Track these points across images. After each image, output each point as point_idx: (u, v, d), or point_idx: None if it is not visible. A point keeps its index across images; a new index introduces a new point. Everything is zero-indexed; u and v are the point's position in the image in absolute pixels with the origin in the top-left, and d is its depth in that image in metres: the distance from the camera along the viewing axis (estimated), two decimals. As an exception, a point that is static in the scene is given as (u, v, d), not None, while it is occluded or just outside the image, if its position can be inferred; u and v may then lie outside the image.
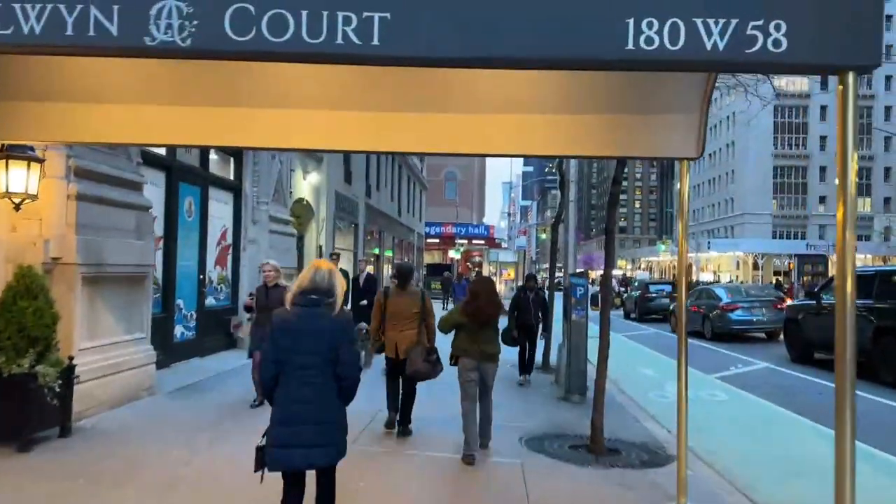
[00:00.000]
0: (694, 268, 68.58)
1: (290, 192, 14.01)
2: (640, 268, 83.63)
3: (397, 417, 6.61)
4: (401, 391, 6.64)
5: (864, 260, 58.38)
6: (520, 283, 25.87)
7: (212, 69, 4.71)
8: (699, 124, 4.98)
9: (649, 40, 2.77)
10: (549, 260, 14.18)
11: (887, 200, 67.96)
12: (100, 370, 6.73)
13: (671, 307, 21.65)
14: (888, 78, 65.98)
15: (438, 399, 7.36)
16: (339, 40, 2.85)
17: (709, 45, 2.78)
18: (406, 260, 31.81)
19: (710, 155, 78.99)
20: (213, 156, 11.12)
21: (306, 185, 15.69)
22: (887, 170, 68.03)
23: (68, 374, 5.92)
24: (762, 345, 16.86)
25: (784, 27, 2.77)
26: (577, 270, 10.20)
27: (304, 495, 3.47)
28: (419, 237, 40.47)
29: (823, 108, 68.34)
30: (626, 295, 28.35)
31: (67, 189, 6.43)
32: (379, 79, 4.76)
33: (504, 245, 50.56)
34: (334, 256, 10.09)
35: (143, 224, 7.66)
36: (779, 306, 17.68)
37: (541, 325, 10.54)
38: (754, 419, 8.53)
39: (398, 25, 2.86)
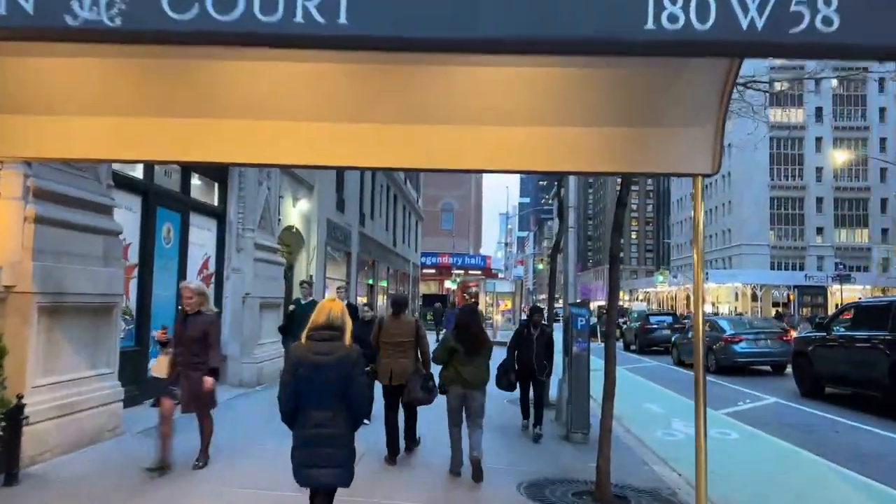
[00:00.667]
0: (691, 299, 68.07)
1: (279, 220, 13.51)
2: (637, 299, 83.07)
3: (401, 444, 6.83)
4: (404, 415, 6.95)
5: (864, 292, 57.98)
6: (522, 317, 25.24)
7: (181, 73, 4.24)
8: (715, 137, 4.51)
9: (673, 17, 2.28)
10: (546, 290, 13.57)
11: (885, 231, 67.74)
12: (55, 409, 6.13)
13: (674, 339, 21.06)
14: (881, 81, 66.04)
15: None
16: (299, 18, 2.36)
17: (744, 24, 2.29)
18: (401, 290, 31.27)
19: (706, 186, 78.80)
20: (195, 181, 10.64)
21: (296, 212, 15.20)
22: (884, 201, 67.93)
23: (16, 415, 5.33)
24: (768, 378, 16.24)
25: (836, 1, 2.28)
26: (578, 300, 9.63)
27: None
28: (414, 267, 39.94)
29: (818, 139, 68.55)
30: (625, 326, 27.74)
31: (24, 211, 5.90)
32: (362, 84, 4.29)
33: (501, 275, 50.01)
34: (305, 285, 9.80)
35: (112, 250, 7.13)
36: (784, 338, 17.11)
37: (546, 370, 8.41)
38: (770, 460, 7.91)
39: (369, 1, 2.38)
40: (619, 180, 7.27)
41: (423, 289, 45.76)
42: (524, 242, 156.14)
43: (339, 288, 9.85)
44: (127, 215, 8.51)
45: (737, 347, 16.70)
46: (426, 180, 52.49)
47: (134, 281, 8.71)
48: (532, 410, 8.47)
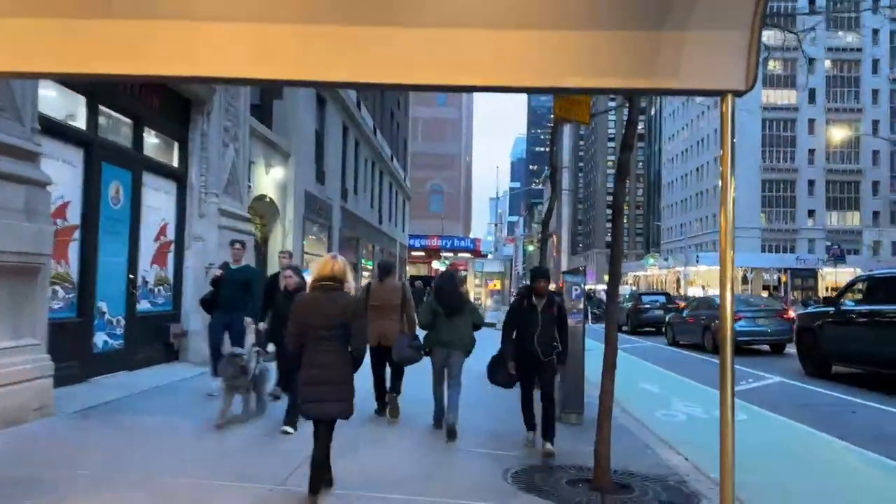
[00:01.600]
0: (682, 282, 67.59)
1: (250, 187, 12.54)
2: (626, 282, 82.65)
3: (386, 399, 7.08)
4: (389, 373, 7.11)
5: (854, 274, 57.66)
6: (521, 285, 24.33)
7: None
8: (750, 44, 3.60)
9: None
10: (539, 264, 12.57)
11: (876, 214, 67.41)
12: (-41, 385, 5.20)
13: (668, 318, 20.31)
14: (875, 31, 65.23)
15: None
16: None
17: None
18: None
19: (696, 169, 78.36)
20: (151, 138, 9.64)
21: (270, 181, 14.22)
22: (875, 184, 67.53)
23: None
24: (769, 358, 15.50)
25: None
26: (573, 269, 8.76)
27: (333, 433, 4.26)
28: (402, 247, 39.01)
29: (811, 121, 67.93)
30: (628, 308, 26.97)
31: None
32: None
33: (490, 256, 49.20)
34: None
35: (37, 204, 6.16)
36: (785, 316, 16.38)
37: (557, 354, 6.12)
38: (786, 444, 7.10)
39: None
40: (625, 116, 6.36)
41: (412, 270, 44.85)
42: (514, 226, 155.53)
43: (281, 253, 8.69)
44: (65, 170, 7.55)
45: (736, 326, 15.88)
46: (413, 159, 51.53)
47: (75, 244, 7.75)
48: (539, 417, 6.12)
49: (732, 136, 3.75)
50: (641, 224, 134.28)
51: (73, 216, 7.72)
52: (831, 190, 68.43)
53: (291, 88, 15.28)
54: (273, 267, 14.69)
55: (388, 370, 7.14)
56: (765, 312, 16.24)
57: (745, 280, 62.86)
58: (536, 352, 5.93)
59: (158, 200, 9.68)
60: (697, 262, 64.95)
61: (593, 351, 7.92)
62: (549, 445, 5.78)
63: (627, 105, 5.41)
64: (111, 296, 8.47)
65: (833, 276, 58.29)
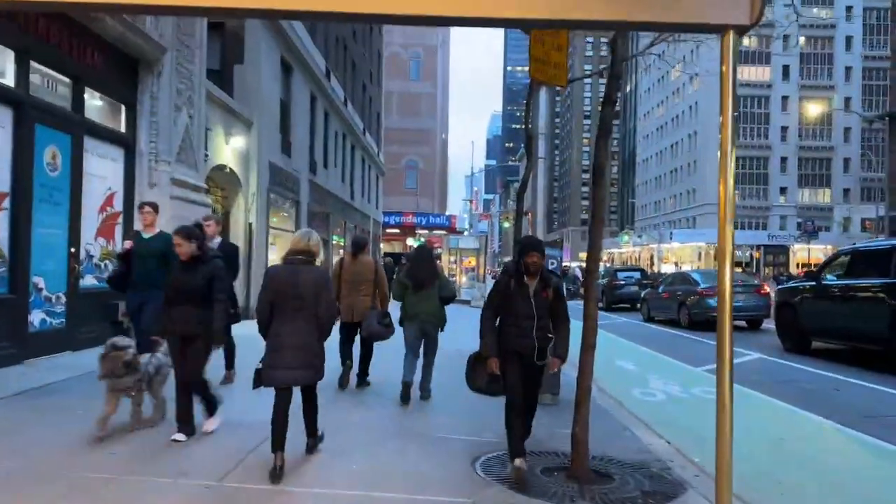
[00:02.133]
0: (655, 259, 67.93)
1: (206, 156, 11.80)
2: (600, 260, 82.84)
3: (350, 370, 7.15)
4: (360, 351, 7.19)
5: (825, 251, 58.42)
6: (497, 269, 23.97)
7: None
8: (755, -31, 3.09)
9: None
10: (512, 253, 12.04)
11: (846, 192, 68.22)
12: None
13: (643, 294, 20.04)
14: (849, 9, 65.63)
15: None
16: None
17: None
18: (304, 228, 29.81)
19: (671, 146, 78.48)
20: (94, 100, 8.90)
21: (230, 150, 13.48)
22: (846, 160, 68.23)
23: None
24: (746, 334, 15.27)
25: None
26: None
27: (290, 405, 4.31)
28: (375, 224, 38.30)
29: (785, 98, 68.18)
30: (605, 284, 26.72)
31: None
32: None
33: (466, 233, 48.76)
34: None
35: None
36: (762, 292, 16.16)
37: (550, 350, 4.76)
38: (773, 426, 6.71)
39: None
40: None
41: (387, 248, 44.20)
42: (490, 204, 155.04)
43: (206, 219, 6.88)
44: (-9, 131, 6.82)
45: (712, 301, 15.65)
46: (388, 134, 50.63)
47: (4, 214, 7.05)
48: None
49: (734, 82, 3.26)
50: (616, 202, 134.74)
51: (2, 183, 7.01)
52: (803, 167, 69.02)
53: (254, 53, 14.49)
54: (236, 241, 14.02)
55: (357, 350, 7.25)
56: (742, 288, 15.98)
57: (717, 256, 63.25)
58: (529, 349, 4.53)
59: (104, 168, 8.96)
60: (671, 238, 65.30)
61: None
62: (519, 461, 4.38)
63: (609, 62, 4.86)
64: (50, 271, 7.79)
65: (804, 253, 58.98)
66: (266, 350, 4.32)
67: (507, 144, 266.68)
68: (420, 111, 58.30)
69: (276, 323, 4.30)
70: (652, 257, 68.73)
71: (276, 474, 4.07)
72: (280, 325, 4.28)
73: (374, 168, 36.62)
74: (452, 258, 31.76)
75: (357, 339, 7.15)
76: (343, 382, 7.04)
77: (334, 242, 25.63)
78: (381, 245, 42.39)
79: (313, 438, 4.68)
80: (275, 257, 17.10)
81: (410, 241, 43.18)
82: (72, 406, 5.78)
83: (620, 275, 24.32)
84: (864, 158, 66.14)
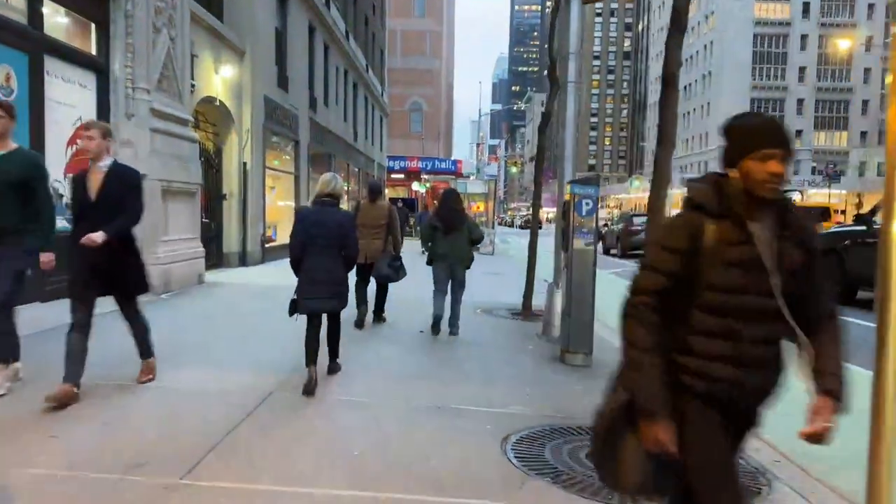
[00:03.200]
0: (667, 205, 66.46)
1: (193, 86, 10.66)
2: (608, 206, 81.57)
3: (366, 311, 7.34)
4: (376, 291, 7.52)
5: (840, 196, 57.02)
6: (497, 223, 23.47)
7: None
8: None
9: None
10: (516, 199, 10.90)
11: (863, 134, 66.27)
12: None
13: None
14: None
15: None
16: None
17: None
18: (328, 172, 28.87)
19: (684, 87, 76.11)
20: (58, 17, 7.74)
21: (220, 81, 12.30)
22: (865, 102, 66.02)
23: None
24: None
25: None
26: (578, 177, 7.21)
27: (321, 330, 4.93)
28: (380, 168, 37.10)
29: (804, 36, 65.52)
30: (606, 229, 25.68)
31: None
32: None
33: (473, 178, 47.36)
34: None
35: None
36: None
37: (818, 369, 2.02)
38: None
39: None
40: None
41: (391, 193, 43.03)
42: (496, 149, 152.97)
43: (86, 128, 4.47)
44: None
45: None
46: (391, 74, 48.87)
47: (-54, 144, 6.01)
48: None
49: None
50: (624, 146, 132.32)
51: (-59, 107, 5.94)
52: (820, 109, 66.90)
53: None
54: (230, 182, 13.00)
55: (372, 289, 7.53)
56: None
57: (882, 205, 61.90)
58: (754, 395, 1.95)
59: (71, 95, 7.87)
60: (682, 185, 63.84)
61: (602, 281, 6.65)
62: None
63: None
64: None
65: (821, 198, 57.51)
66: (299, 283, 4.81)
67: (513, 88, 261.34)
68: (425, 50, 56.20)
69: (307, 259, 4.76)
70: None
71: (311, 387, 4.63)
72: (311, 260, 4.75)
73: (378, 109, 35.17)
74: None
75: (372, 279, 7.51)
76: (360, 324, 7.23)
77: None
78: (386, 190, 41.23)
79: (335, 361, 5.27)
80: (276, 202, 16.10)
81: (416, 187, 41.97)
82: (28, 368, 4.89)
83: (637, 220, 23.18)
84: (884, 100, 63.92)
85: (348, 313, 5.71)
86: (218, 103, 12.12)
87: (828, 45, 60.02)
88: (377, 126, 34.96)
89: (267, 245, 14.35)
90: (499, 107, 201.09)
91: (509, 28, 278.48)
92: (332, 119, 22.16)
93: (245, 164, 13.32)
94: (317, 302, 4.78)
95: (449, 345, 6.82)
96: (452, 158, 60.64)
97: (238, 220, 13.22)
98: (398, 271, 7.28)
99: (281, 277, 8.41)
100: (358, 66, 26.67)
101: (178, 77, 9.59)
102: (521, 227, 71.65)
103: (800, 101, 66.34)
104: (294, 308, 4.81)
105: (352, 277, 5.55)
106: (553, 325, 7.28)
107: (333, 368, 5.23)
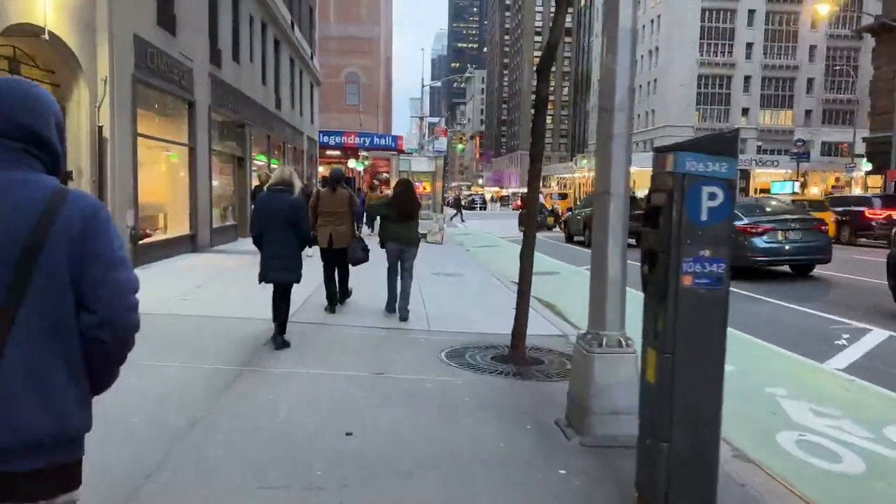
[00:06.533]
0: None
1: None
2: (550, 187, 79.17)
3: (336, 303, 7.84)
4: (338, 272, 7.88)
5: (784, 176, 56.05)
6: (447, 204, 20.64)
7: None
8: None
9: None
10: (457, 178, 7.67)
11: (808, 113, 65.61)
12: None
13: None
14: None
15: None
16: None
17: None
18: (298, 168, 24.84)
19: (633, 62, 73.95)
20: None
21: (51, 5, 8.26)
22: (810, 80, 65.25)
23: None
24: (805, 286, 11.43)
25: None
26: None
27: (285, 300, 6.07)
28: (310, 143, 32.99)
29: (751, 11, 64.08)
30: (570, 214, 22.60)
31: None
32: None
33: (415, 155, 43.64)
34: None
35: None
36: (822, 228, 12.27)
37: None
38: None
39: None
40: None
41: (327, 172, 38.85)
42: (434, 129, 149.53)
43: None
44: None
45: (759, 242, 11.67)
46: (325, 43, 44.53)
47: None
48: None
49: None
50: (566, 124, 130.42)
51: None
52: (766, 87, 65.78)
53: None
54: (78, 155, 9.08)
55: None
56: (797, 223, 12.01)
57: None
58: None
59: None
60: (629, 163, 61.70)
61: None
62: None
63: None
64: None
65: (765, 178, 56.39)
66: (261, 258, 6.01)
67: (452, 65, 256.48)
68: (361, 16, 51.92)
69: (265, 238, 5.93)
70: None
71: (277, 340, 5.92)
72: (270, 239, 5.91)
73: (308, 75, 30.95)
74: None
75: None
76: (331, 310, 7.65)
77: (259, 164, 20.49)
78: (320, 168, 37.12)
79: (282, 328, 6.04)
80: (160, 183, 12.21)
81: (353, 164, 37.99)
82: None
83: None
84: (830, 79, 63.38)
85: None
86: (48, 37, 8.10)
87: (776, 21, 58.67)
88: (307, 95, 30.77)
89: (141, 242, 10.45)
90: (438, 83, 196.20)
91: (448, 2, 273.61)
92: (246, 80, 18.08)
93: (101, 128, 9.36)
94: (274, 273, 5.95)
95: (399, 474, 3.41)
96: (392, 134, 56.73)
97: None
98: (366, 252, 7.73)
99: (172, 290, 8.42)
100: (280, 21, 22.47)
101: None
102: (465, 208, 68.46)
103: (746, 79, 64.98)
104: (261, 278, 6.04)
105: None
106: (591, 410, 3.94)
107: (280, 343, 5.92)
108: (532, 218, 5.90)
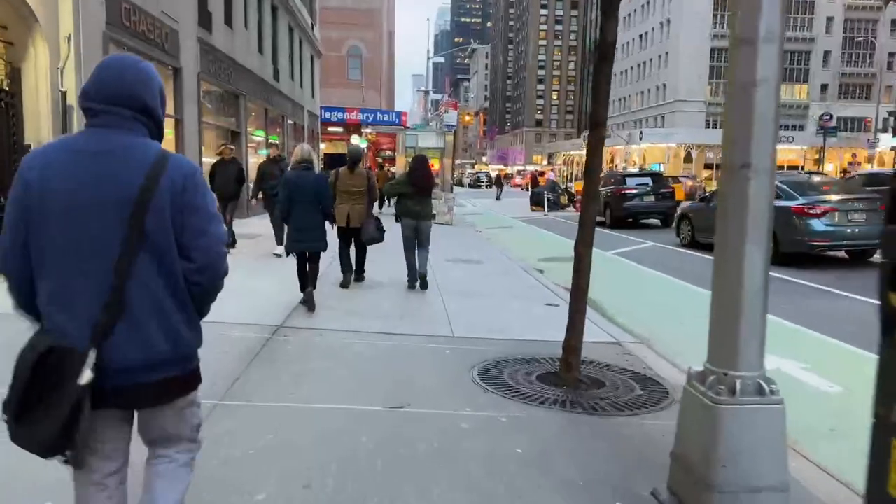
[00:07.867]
0: (623, 161, 62.83)
1: None
2: (557, 164, 77.45)
3: (352, 276, 8.02)
4: (355, 252, 8.08)
5: (800, 152, 54.42)
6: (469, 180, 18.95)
7: None
8: None
9: None
10: (460, 156, 6.31)
11: (824, 87, 63.68)
12: None
13: (681, 210, 14.64)
14: None
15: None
16: None
17: None
18: (303, 143, 23.45)
19: (640, 36, 72.03)
20: None
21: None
22: (826, 53, 63.21)
23: None
24: (844, 270, 10.16)
25: None
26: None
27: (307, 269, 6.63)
28: (312, 118, 31.54)
29: (768, -18, 61.81)
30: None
31: None
32: None
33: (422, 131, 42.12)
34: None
35: None
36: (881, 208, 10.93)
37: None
38: None
39: None
40: None
41: (329, 148, 37.37)
42: (438, 105, 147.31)
43: None
44: None
45: (816, 224, 10.34)
46: (326, 15, 42.82)
47: None
48: None
49: None
50: (572, 100, 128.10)
51: None
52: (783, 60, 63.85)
53: None
54: (37, 126, 7.78)
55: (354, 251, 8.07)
56: (861, 203, 10.66)
57: (688, 157, 58.61)
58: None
59: None
60: (641, 138, 60.07)
61: None
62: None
63: None
64: None
65: (824, 154, 54.65)
66: (289, 230, 6.65)
67: (455, 40, 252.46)
68: (363, -15, 50.15)
69: (293, 213, 6.48)
70: (612, 159, 63.53)
71: (308, 301, 6.45)
72: (297, 213, 6.47)
73: (308, 46, 29.38)
74: (409, 161, 25.53)
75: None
76: (346, 286, 7.81)
77: (257, 140, 19.14)
78: (322, 145, 35.68)
79: (313, 288, 6.57)
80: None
81: (355, 140, 36.53)
82: None
83: (630, 181, 18.73)
84: (847, 52, 61.30)
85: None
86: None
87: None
88: (307, 67, 29.25)
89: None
90: (441, 59, 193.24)
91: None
92: (240, 47, 16.64)
93: (65, 94, 8.02)
94: (301, 244, 6.53)
95: None
96: (396, 110, 55.10)
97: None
98: (382, 232, 7.80)
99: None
100: (278, -14, 20.96)
101: None
102: (471, 186, 66.96)
103: (761, 52, 62.92)
104: (288, 249, 6.73)
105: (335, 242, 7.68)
106: (716, 485, 2.66)
107: (308, 295, 6.49)
108: (591, 200, 4.61)
